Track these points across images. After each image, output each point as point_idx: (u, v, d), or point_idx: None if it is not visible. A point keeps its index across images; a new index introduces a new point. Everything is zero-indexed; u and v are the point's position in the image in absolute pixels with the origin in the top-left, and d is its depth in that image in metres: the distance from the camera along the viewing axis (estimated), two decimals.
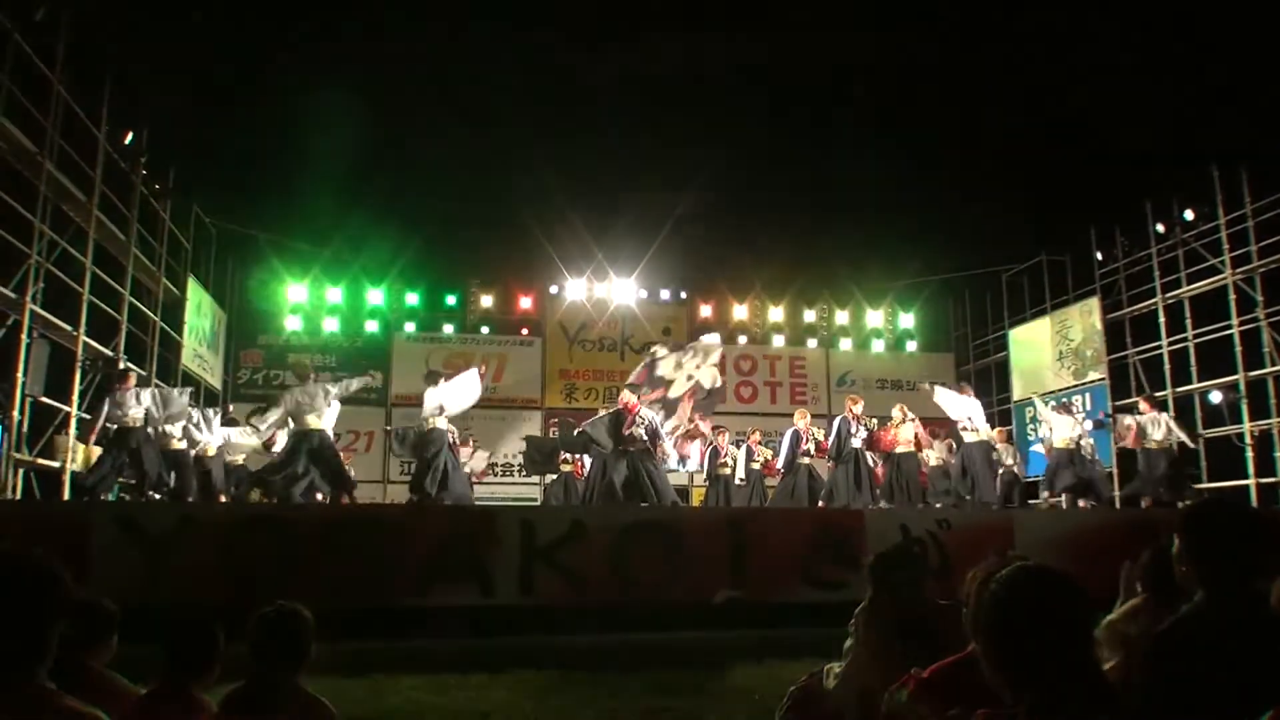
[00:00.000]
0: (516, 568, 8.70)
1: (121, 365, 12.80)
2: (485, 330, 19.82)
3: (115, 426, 10.65)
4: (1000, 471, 13.20)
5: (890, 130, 22.94)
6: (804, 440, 13.17)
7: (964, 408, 12.80)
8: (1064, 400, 17.14)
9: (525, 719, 5.62)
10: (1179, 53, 18.61)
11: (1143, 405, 13.40)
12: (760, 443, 15.04)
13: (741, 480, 14.60)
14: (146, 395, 10.88)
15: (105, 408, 10.60)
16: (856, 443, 12.52)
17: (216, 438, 12.22)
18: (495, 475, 18.42)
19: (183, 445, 11.56)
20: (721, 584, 9.00)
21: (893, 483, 12.63)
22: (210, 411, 12.57)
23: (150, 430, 10.82)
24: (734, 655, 7.27)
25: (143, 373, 13.97)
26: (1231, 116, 18.47)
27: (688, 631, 8.51)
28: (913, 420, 12.90)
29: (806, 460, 13.18)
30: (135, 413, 10.64)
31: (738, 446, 14.96)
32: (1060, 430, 12.88)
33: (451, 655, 7.04)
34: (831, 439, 12.87)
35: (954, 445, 13.86)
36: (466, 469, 13.39)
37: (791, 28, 20.85)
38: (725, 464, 14.50)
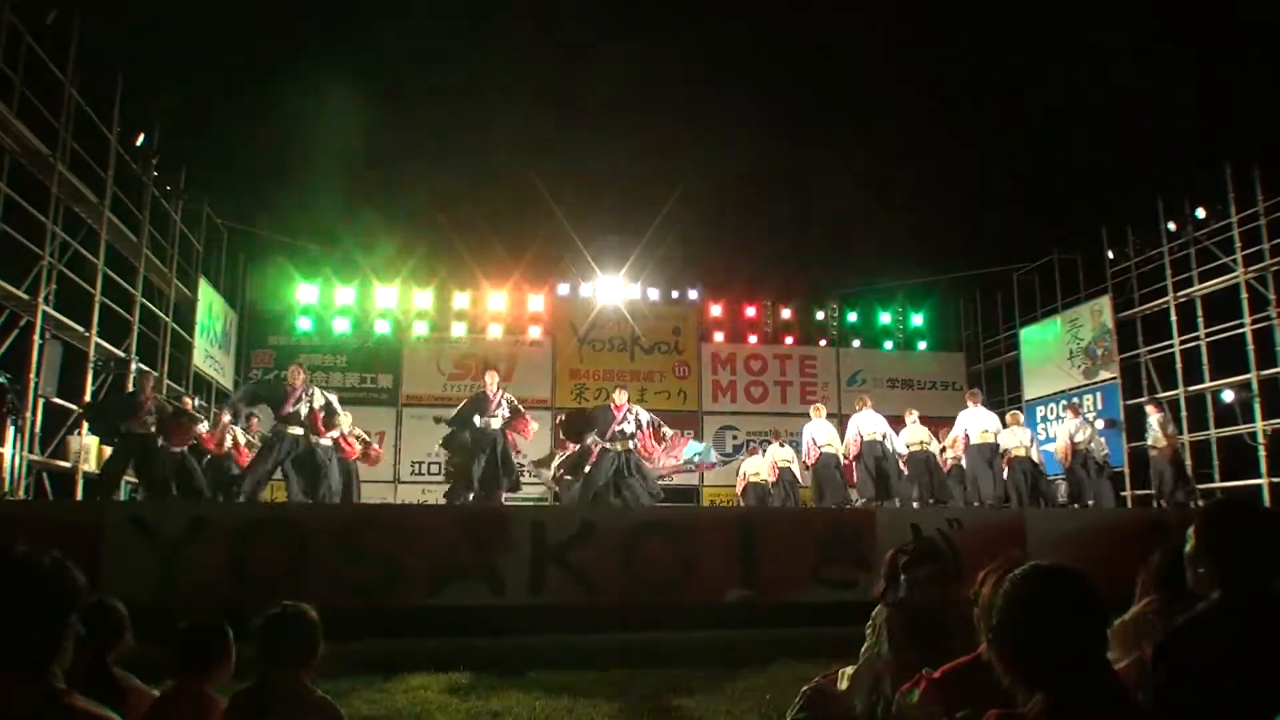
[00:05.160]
0: (527, 567, 8.70)
1: (134, 366, 12.91)
2: (495, 330, 19.79)
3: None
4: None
5: (902, 130, 22.96)
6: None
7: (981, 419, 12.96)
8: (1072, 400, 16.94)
9: (536, 719, 5.61)
10: (1192, 51, 18.54)
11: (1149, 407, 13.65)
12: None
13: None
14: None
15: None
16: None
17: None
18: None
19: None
20: (732, 583, 8.99)
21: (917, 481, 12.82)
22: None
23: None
24: (745, 655, 7.25)
25: (155, 374, 14.02)
26: (1244, 114, 18.41)
27: (699, 631, 8.48)
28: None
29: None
30: None
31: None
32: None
33: (462, 655, 7.03)
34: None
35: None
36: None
37: (805, 26, 20.86)
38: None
